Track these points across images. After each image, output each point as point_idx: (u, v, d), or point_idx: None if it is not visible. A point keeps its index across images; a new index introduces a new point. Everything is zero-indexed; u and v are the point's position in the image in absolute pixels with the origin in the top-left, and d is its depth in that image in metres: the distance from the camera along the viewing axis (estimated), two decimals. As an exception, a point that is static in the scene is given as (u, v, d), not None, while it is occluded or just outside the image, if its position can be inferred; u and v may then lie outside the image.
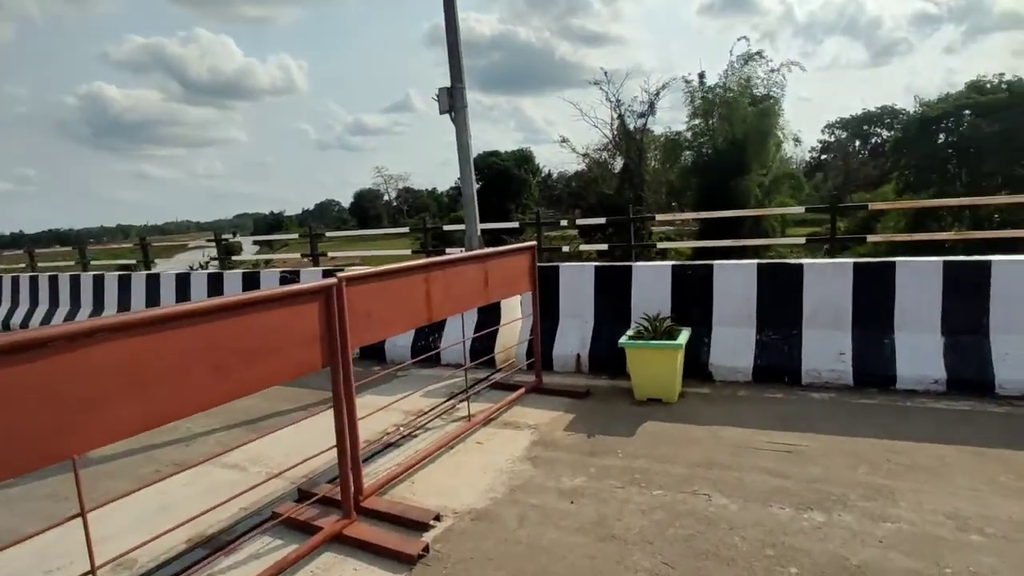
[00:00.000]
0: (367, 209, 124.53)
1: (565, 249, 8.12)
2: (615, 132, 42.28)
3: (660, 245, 8.44)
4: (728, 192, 33.40)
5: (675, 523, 2.87)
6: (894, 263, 4.67)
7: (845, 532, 2.70)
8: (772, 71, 35.11)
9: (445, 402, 5.01)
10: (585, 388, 5.00)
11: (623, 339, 4.70)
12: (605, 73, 40.62)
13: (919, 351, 4.52)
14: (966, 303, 4.48)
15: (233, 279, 7.91)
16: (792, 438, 3.77)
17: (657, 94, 39.82)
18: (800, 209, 7.20)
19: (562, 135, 43.06)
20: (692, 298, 5.26)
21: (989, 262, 4.45)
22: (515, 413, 4.62)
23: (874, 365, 4.60)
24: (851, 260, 4.85)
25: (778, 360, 4.88)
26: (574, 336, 5.68)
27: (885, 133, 67.92)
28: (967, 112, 29.51)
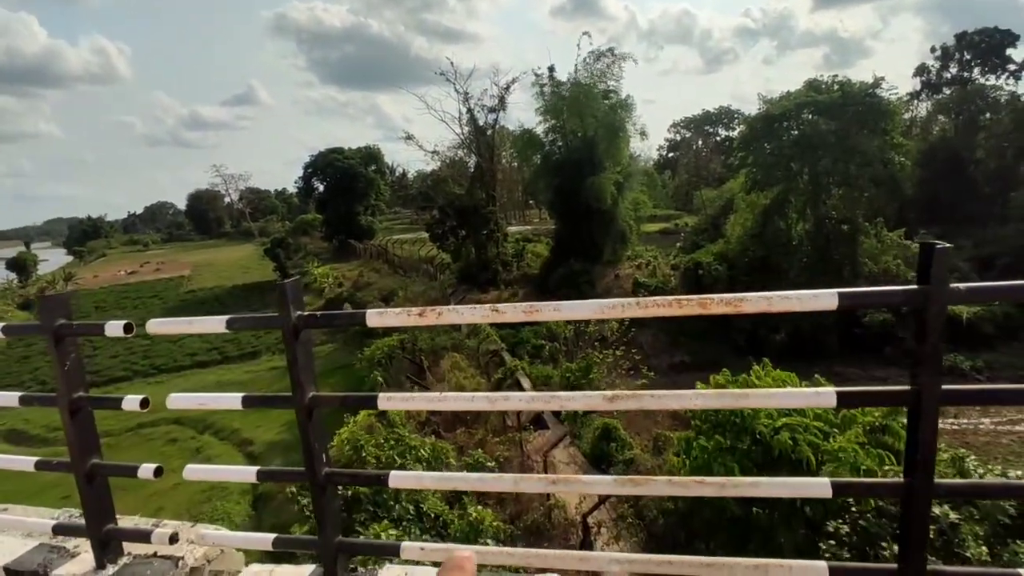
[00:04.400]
0: (205, 212, 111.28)
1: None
2: (465, 128, 39.06)
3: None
4: (583, 190, 31.61)
5: None
6: None
7: None
8: (610, 63, 33.88)
9: None
10: None
11: None
12: (452, 64, 37.35)
13: None
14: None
15: None
16: None
17: (507, 88, 37.22)
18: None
19: (407, 132, 38.99)
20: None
21: None
22: None
23: None
24: None
25: None
26: None
27: (723, 132, 71.55)
28: (807, 110, 29.64)
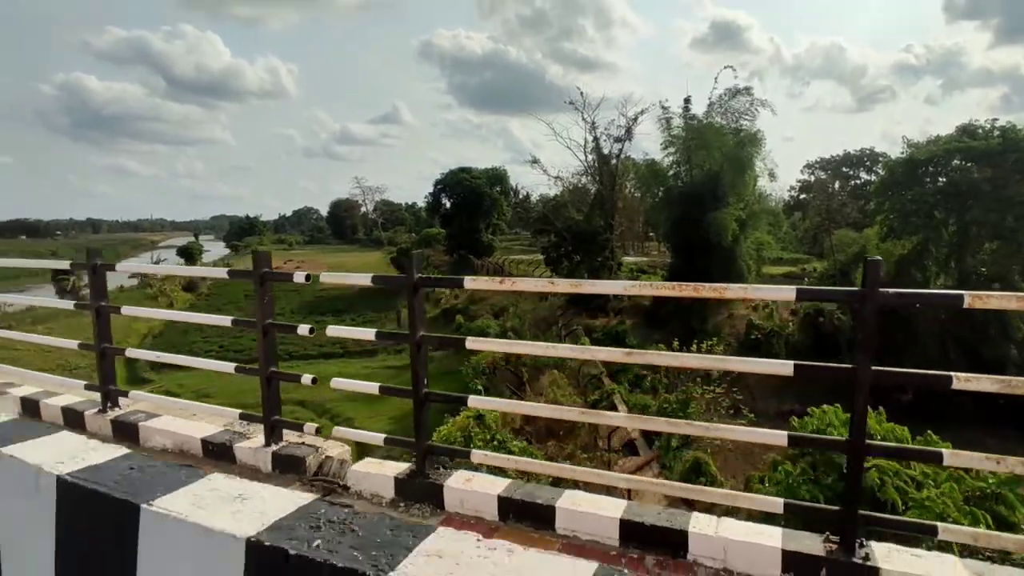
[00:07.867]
0: (343, 219, 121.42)
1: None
2: (590, 156, 39.98)
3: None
4: (704, 225, 31.16)
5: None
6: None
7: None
8: (748, 106, 33.28)
9: None
10: None
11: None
12: (581, 93, 38.58)
13: None
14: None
15: None
16: None
17: (635, 119, 37.75)
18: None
19: (534, 156, 40.70)
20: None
21: None
22: None
23: None
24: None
25: None
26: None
27: (864, 176, 66.92)
28: (957, 157, 27.49)
